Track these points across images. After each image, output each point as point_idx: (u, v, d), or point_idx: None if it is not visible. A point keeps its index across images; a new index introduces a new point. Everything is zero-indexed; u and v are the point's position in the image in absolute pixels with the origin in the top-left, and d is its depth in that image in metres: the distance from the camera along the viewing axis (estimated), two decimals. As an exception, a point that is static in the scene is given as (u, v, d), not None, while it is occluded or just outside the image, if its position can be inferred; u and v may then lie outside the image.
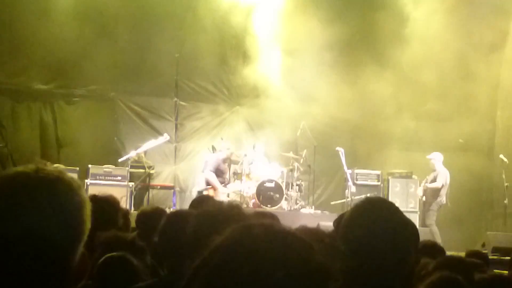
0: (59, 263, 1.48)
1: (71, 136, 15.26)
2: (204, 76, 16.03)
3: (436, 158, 14.21)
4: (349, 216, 2.50)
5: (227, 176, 13.27)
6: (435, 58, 15.89)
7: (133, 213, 7.43)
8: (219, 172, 13.15)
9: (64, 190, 1.54)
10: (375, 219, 2.43)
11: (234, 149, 13.25)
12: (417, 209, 14.59)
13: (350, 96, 16.29)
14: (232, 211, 2.73)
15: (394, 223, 2.44)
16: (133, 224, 5.12)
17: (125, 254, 3.38)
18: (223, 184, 13.25)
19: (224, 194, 12.88)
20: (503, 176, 14.28)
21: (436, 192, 14.02)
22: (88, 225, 1.57)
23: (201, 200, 4.56)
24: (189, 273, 1.33)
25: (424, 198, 14.21)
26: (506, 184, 14.15)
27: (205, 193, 12.31)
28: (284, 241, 1.31)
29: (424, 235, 11.20)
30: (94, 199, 4.44)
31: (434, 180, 14.07)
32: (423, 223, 14.11)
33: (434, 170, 14.16)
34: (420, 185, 14.51)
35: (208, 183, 12.97)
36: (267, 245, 1.29)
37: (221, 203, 3.17)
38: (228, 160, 13.44)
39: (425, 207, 14.19)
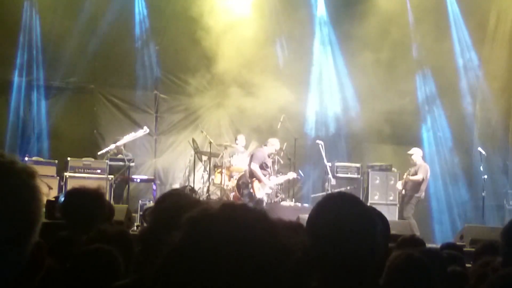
0: (4, 255, 1.45)
1: (50, 129, 15.16)
2: (184, 69, 15.99)
3: (416, 153, 14.31)
4: (312, 213, 2.52)
5: (269, 169, 13.41)
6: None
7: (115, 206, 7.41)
8: (264, 166, 13.32)
9: (13, 179, 1.50)
10: (337, 213, 2.45)
11: (278, 146, 13.49)
12: (396, 202, 14.69)
13: (331, 89, 16.42)
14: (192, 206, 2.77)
15: (356, 213, 2.46)
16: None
17: (104, 246, 3.36)
18: (266, 177, 13.35)
19: (267, 186, 13.19)
20: (481, 169, 14.43)
21: (416, 185, 14.09)
22: (41, 215, 1.54)
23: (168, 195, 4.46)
24: (162, 254, 1.39)
25: (403, 192, 14.28)
26: (484, 176, 14.29)
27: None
28: (240, 219, 1.38)
29: (403, 227, 11.29)
30: (79, 192, 4.42)
31: (415, 175, 14.14)
32: (402, 216, 14.22)
33: (415, 165, 14.24)
34: (400, 179, 14.59)
35: (252, 175, 13.17)
36: (222, 223, 1.37)
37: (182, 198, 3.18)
38: (272, 155, 13.56)
39: (404, 200, 14.27)
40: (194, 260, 1.32)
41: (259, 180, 13.09)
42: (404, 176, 14.34)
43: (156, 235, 2.81)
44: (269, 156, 13.50)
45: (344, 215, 2.44)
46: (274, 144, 13.42)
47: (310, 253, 2.29)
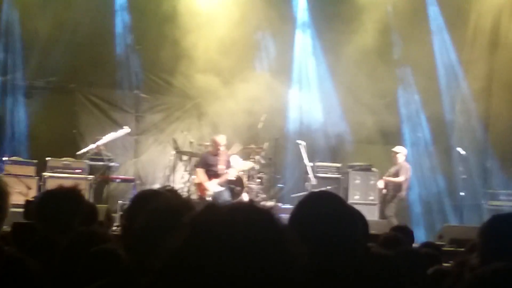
0: None
1: (29, 128, 15.05)
2: (165, 69, 15.94)
3: (401, 152, 14.26)
4: (294, 211, 2.52)
5: (216, 168, 13.45)
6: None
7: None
8: (207, 166, 13.47)
9: None
10: (319, 211, 2.45)
11: (221, 141, 13.47)
12: (376, 201, 14.75)
13: (312, 89, 16.47)
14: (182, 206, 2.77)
15: (339, 212, 2.47)
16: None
17: (113, 247, 3.35)
18: (213, 177, 13.42)
19: (210, 188, 13.34)
20: (460, 169, 14.53)
21: (398, 185, 14.10)
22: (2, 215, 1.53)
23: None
24: (164, 253, 1.36)
25: (385, 191, 14.28)
26: (463, 176, 14.38)
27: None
28: (246, 223, 1.36)
29: (382, 227, 11.33)
30: (53, 193, 4.37)
31: (396, 174, 14.12)
32: (383, 215, 14.26)
33: (396, 164, 14.22)
34: (381, 178, 14.62)
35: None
36: (228, 226, 1.34)
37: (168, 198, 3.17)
38: (219, 152, 13.50)
39: (386, 199, 14.29)
40: (197, 263, 1.30)
41: (202, 182, 13.35)
42: (385, 177, 14.30)
43: (147, 236, 2.80)
44: (216, 155, 13.49)
45: (326, 213, 2.44)
46: (215, 141, 13.48)
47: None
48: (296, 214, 2.51)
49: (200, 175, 13.41)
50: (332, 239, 2.38)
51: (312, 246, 2.32)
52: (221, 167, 13.44)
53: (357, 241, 2.47)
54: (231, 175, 13.53)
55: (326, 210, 2.46)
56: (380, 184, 14.36)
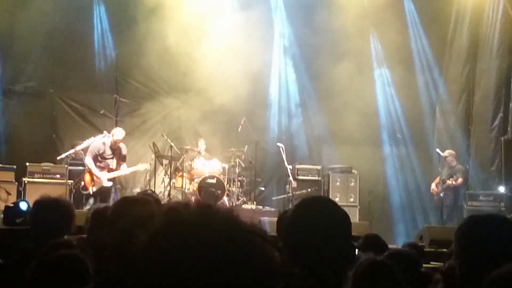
0: None
1: (8, 133, 14.93)
2: (144, 73, 15.89)
3: (451, 155, 14.25)
4: (289, 219, 2.52)
5: (110, 161, 13.02)
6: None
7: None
8: (99, 158, 12.94)
9: None
10: (315, 218, 2.46)
11: (117, 136, 13.05)
12: (357, 203, 14.84)
13: (291, 91, 16.51)
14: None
15: (333, 218, 2.47)
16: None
17: (68, 252, 3.32)
18: (106, 169, 12.99)
19: (103, 179, 12.86)
20: (440, 169, 14.60)
21: (456, 188, 14.06)
22: None
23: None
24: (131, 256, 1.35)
25: (442, 194, 14.06)
26: (442, 177, 14.45)
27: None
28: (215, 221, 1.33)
29: (362, 229, 11.35)
30: (44, 203, 4.34)
31: (451, 177, 13.93)
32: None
33: (452, 167, 14.17)
34: (361, 181, 14.65)
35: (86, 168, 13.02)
36: (196, 221, 1.32)
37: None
38: (116, 145, 13.05)
39: (451, 204, 14.13)
40: (158, 269, 1.27)
41: (91, 173, 12.89)
42: (449, 181, 13.96)
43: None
44: (114, 148, 13.01)
45: (324, 216, 2.45)
46: (113, 134, 12.95)
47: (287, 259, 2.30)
48: (292, 222, 2.50)
49: (90, 165, 12.82)
50: (330, 241, 2.39)
51: (309, 252, 2.34)
52: (115, 161, 13.01)
53: (350, 244, 2.49)
54: (124, 172, 13.22)
55: (323, 213, 2.47)
56: (434, 186, 14.18)
